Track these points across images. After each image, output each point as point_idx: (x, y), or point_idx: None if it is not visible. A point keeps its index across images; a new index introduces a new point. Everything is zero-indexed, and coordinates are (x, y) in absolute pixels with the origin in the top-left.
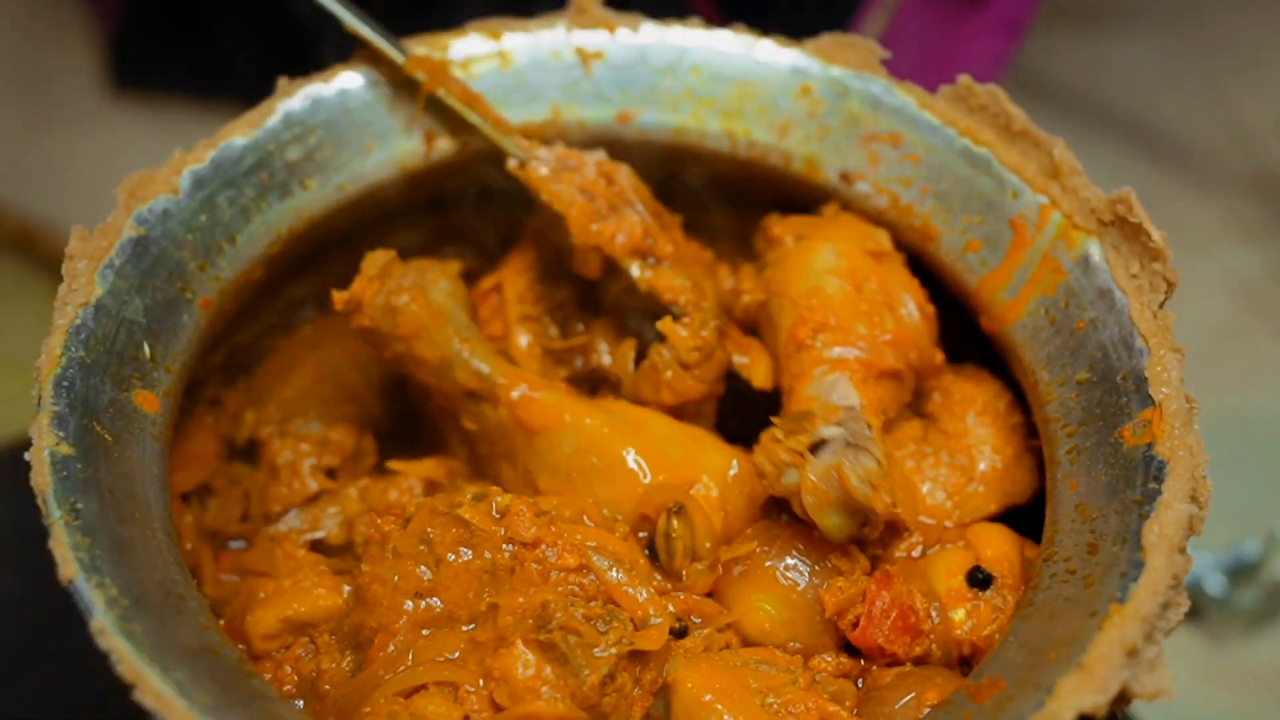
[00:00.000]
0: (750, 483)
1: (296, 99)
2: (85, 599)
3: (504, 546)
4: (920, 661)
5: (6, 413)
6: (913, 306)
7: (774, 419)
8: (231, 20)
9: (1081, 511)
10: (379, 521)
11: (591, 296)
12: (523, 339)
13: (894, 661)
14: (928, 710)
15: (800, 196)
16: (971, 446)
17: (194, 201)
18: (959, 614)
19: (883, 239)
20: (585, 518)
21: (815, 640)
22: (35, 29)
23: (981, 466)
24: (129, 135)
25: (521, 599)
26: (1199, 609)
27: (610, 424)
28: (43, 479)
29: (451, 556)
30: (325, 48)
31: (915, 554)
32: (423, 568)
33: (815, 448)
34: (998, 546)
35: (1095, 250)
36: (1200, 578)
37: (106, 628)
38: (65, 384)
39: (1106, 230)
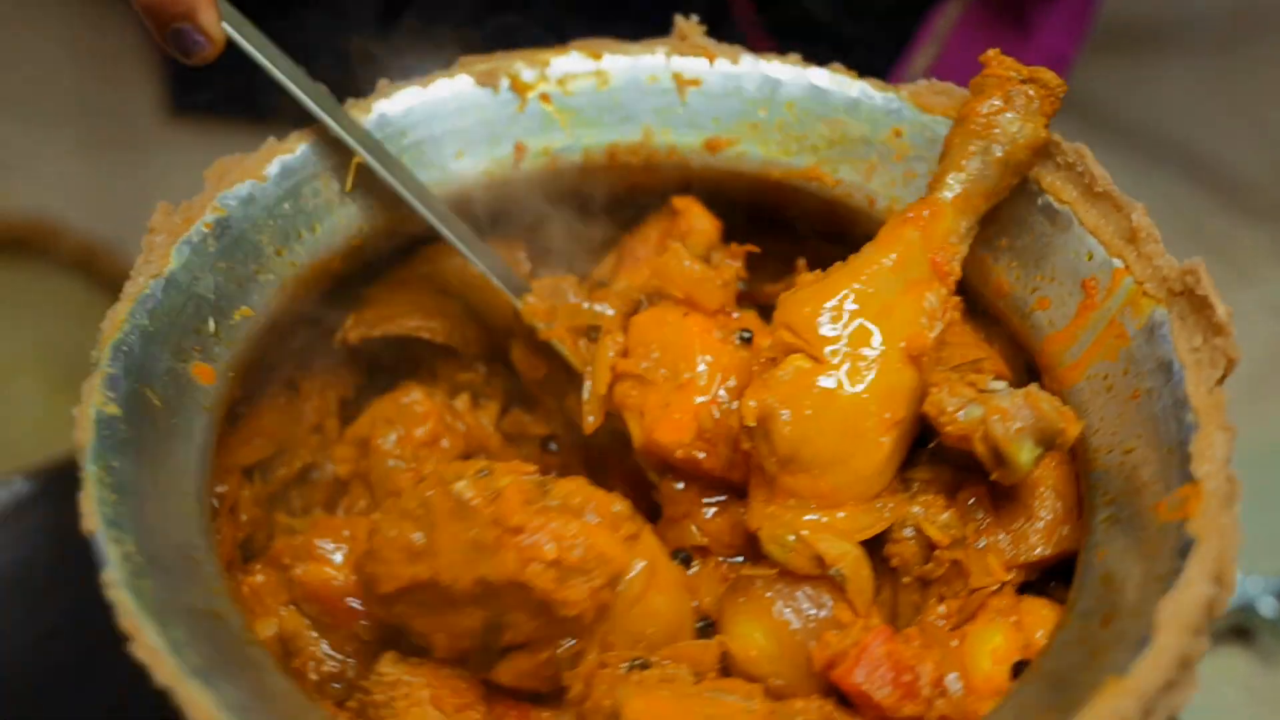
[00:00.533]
0: None
1: (395, 100)
2: (101, 551)
3: (490, 525)
4: None
5: (70, 427)
6: None
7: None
8: (292, 48)
9: (1105, 582)
10: (400, 470)
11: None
12: None
13: (883, 718)
14: None
15: None
16: (1034, 486)
17: (280, 189)
18: (989, 707)
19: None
20: (592, 512)
21: (799, 684)
22: (94, 53)
23: (1042, 513)
24: (187, 158)
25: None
26: (1251, 631)
27: None
28: (85, 434)
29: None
30: (381, 73)
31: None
32: (418, 534)
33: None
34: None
35: (1162, 319)
36: (1253, 600)
37: (115, 580)
38: (124, 349)
39: (1175, 300)
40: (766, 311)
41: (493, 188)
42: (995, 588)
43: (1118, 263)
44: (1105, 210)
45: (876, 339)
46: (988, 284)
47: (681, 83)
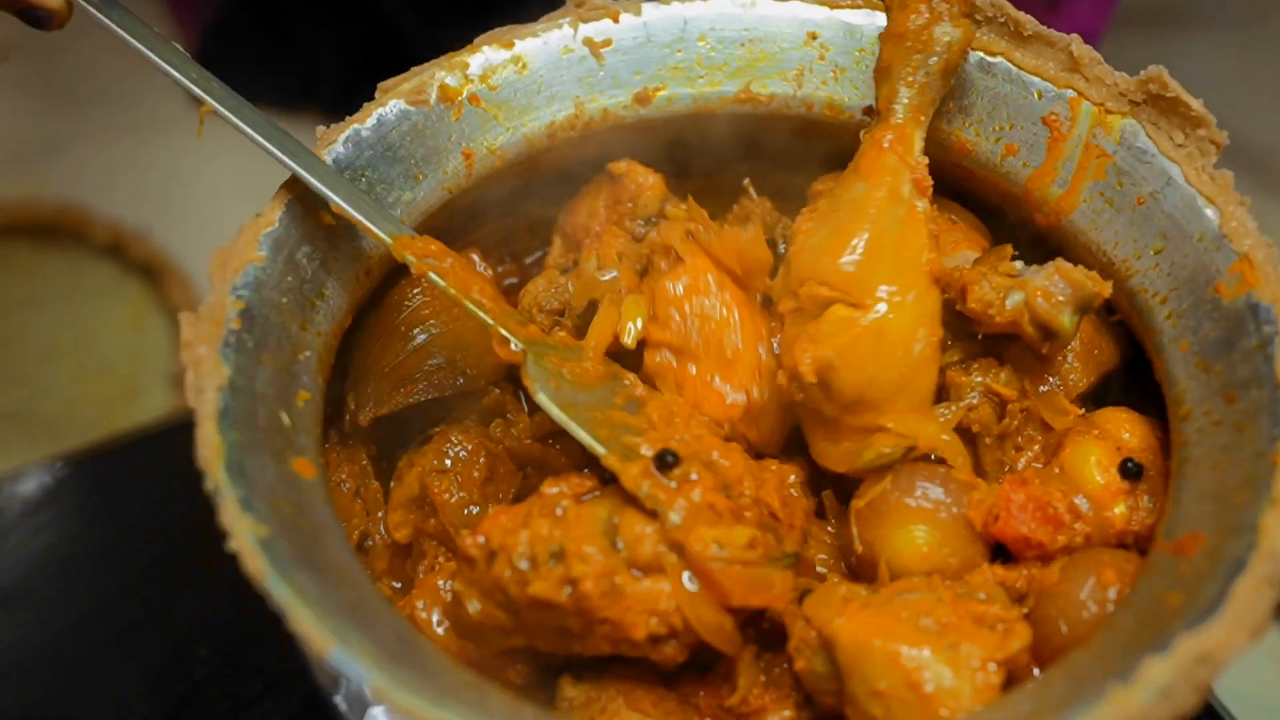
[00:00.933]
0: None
1: (340, 144)
2: (349, 669)
3: (574, 616)
4: (1069, 551)
5: (103, 412)
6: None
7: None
8: (316, 30)
9: (1201, 366)
10: (468, 541)
11: None
12: None
13: (1044, 555)
14: (1114, 590)
15: (833, 139)
16: None
17: (278, 264)
18: (1119, 509)
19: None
20: (665, 596)
21: (967, 554)
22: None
23: (1070, 353)
24: (213, 145)
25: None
26: None
27: None
28: (256, 563)
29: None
30: (411, 57)
31: (1038, 464)
32: (504, 616)
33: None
34: (1135, 431)
35: (1134, 129)
36: None
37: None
38: (235, 469)
39: (1141, 109)
40: None
41: (453, 203)
42: (1071, 422)
43: (1069, 93)
44: (1039, 50)
45: (903, 270)
46: (949, 149)
47: (594, 47)
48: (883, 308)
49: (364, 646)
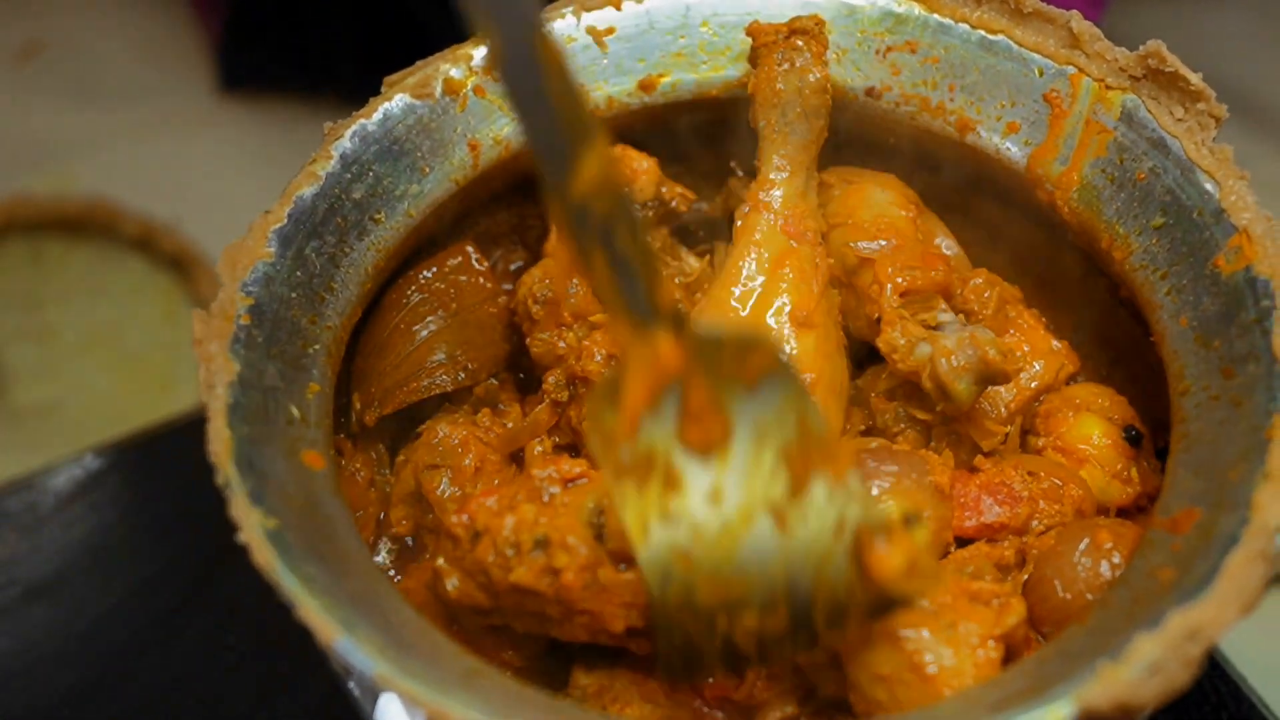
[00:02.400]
0: None
1: (346, 139)
2: (356, 659)
3: (555, 604)
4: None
5: (136, 404)
6: (951, 241)
7: (889, 306)
8: (334, 18)
9: (1200, 341)
10: (453, 520)
11: None
12: None
13: (1018, 532)
14: (1111, 552)
15: (834, 119)
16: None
17: (287, 260)
18: (1131, 474)
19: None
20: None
21: (942, 516)
22: (144, 37)
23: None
24: (239, 136)
25: None
26: None
27: None
28: (264, 555)
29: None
30: (431, 42)
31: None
32: (484, 597)
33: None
34: (1117, 405)
35: (1134, 104)
36: None
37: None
38: (245, 463)
39: (1141, 85)
40: (714, 226)
41: (459, 194)
42: (1000, 439)
43: (1070, 69)
44: (1039, 26)
45: (782, 322)
46: (950, 124)
47: (597, 35)
48: None
49: (369, 636)
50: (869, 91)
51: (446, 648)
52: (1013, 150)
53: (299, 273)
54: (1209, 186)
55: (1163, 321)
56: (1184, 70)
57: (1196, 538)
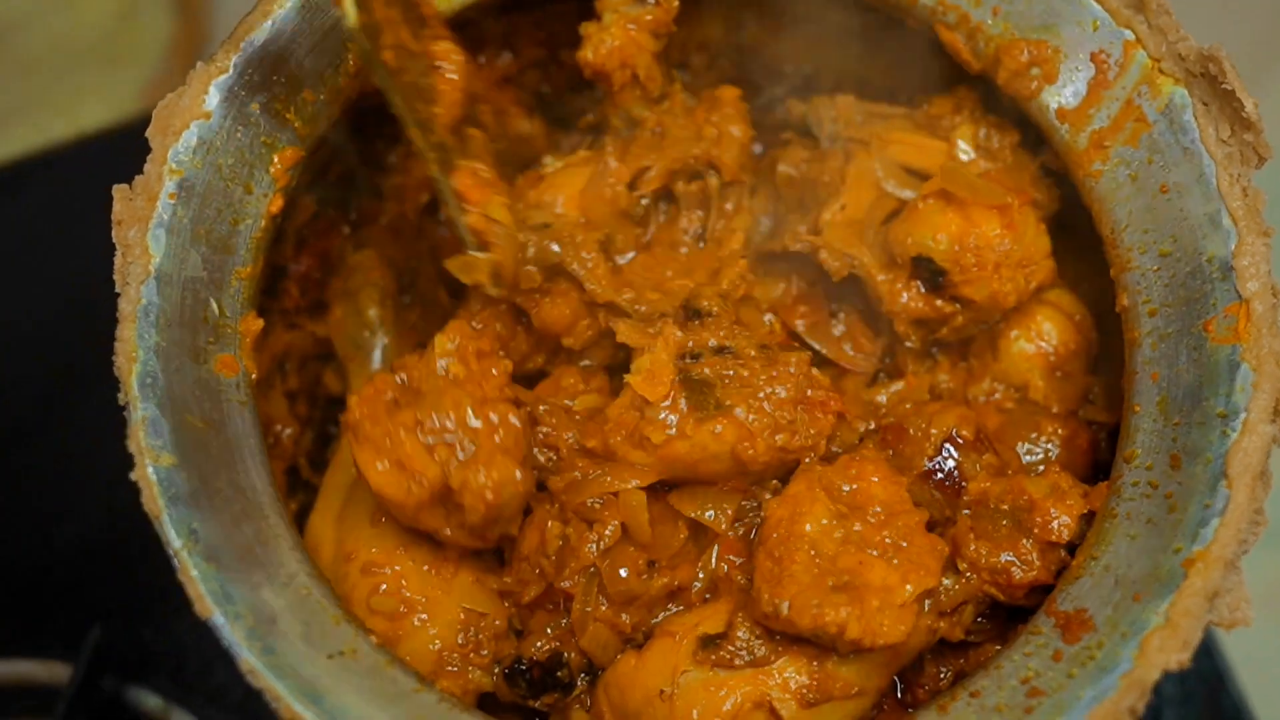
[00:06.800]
0: None
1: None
2: (226, 637)
3: None
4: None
5: None
6: None
7: None
8: None
9: (1163, 409)
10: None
11: None
12: None
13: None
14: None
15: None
16: None
17: (227, 121)
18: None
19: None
20: None
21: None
22: None
23: None
24: None
25: None
26: None
27: None
28: (153, 503)
29: None
30: None
31: None
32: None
33: None
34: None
35: (1183, 102)
36: None
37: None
38: (149, 381)
39: (1195, 82)
40: None
41: None
42: None
43: (1128, 34)
44: None
45: None
46: (984, 55)
47: None
48: None
49: (241, 616)
50: None
51: (324, 616)
52: (1043, 100)
53: (240, 133)
54: (1228, 232)
55: (1135, 363)
56: (1241, 91)
57: (1080, 657)
